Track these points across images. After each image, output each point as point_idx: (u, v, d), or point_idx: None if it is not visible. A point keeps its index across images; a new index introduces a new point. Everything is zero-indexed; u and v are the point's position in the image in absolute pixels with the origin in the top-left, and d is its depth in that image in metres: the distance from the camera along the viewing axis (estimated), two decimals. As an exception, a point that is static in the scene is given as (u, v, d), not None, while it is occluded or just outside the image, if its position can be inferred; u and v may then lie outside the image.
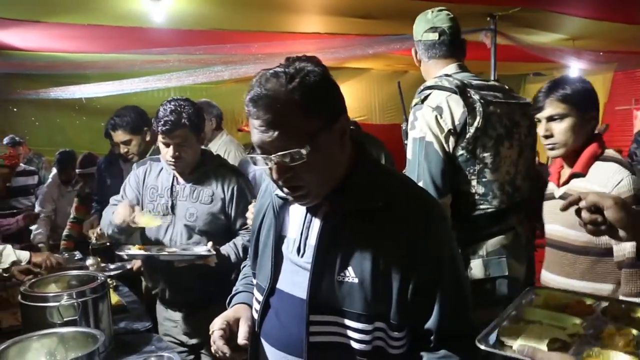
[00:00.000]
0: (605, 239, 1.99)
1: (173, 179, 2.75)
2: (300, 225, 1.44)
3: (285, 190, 1.35)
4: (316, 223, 1.41)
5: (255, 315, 1.52)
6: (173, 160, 2.62)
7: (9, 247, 2.90)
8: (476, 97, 2.16)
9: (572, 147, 2.12)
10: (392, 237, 1.32)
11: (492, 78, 5.23)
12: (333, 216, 1.36)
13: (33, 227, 5.16)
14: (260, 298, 1.49)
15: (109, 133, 3.62)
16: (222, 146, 4.09)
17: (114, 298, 2.92)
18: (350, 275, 1.33)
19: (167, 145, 2.61)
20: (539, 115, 2.17)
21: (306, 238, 1.42)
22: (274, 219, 1.49)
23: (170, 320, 2.88)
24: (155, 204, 2.75)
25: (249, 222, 2.49)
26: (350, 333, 1.34)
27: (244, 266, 1.86)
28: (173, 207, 2.72)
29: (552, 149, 2.16)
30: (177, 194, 2.73)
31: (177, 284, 2.77)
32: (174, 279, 2.74)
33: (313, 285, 1.35)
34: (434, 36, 2.38)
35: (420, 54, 2.45)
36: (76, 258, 3.71)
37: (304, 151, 1.24)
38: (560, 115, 2.10)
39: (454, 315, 1.36)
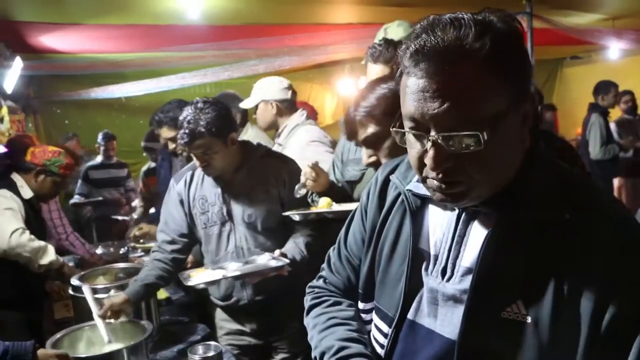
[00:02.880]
0: None
1: (221, 183, 2.53)
2: (448, 237, 1.06)
3: (436, 183, 0.97)
4: (475, 236, 1.03)
5: (380, 350, 1.16)
6: (202, 169, 2.45)
7: (50, 247, 2.93)
8: None
9: None
10: (579, 262, 0.92)
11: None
12: (499, 229, 0.98)
13: None
14: (387, 330, 1.14)
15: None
16: (257, 137, 3.87)
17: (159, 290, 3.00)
18: (520, 311, 0.95)
19: (193, 155, 2.42)
20: None
21: (456, 257, 1.04)
22: (410, 224, 1.11)
23: (232, 322, 2.64)
24: (209, 214, 2.52)
25: (302, 191, 2.30)
26: None
27: (329, 303, 1.32)
28: (229, 212, 2.50)
29: None
30: (230, 197, 2.50)
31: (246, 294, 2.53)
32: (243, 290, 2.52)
33: (469, 322, 0.98)
34: None
35: None
36: (121, 252, 3.81)
37: (482, 136, 0.88)
38: None
39: None
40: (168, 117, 3.41)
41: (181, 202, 2.56)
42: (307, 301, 1.36)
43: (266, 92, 3.34)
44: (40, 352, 1.82)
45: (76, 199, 5.83)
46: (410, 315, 1.10)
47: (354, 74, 7.31)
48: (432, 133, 0.91)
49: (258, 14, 5.30)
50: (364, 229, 1.26)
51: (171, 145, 3.48)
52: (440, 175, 0.95)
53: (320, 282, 1.38)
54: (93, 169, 6.09)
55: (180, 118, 2.38)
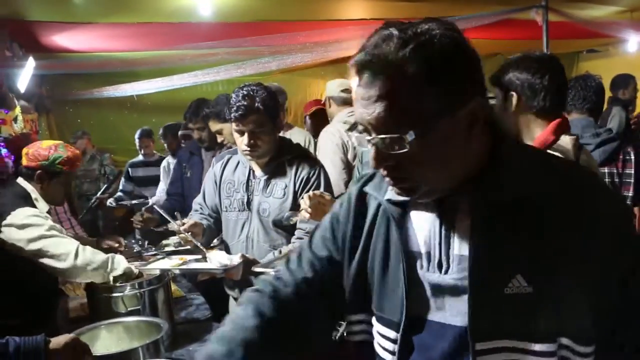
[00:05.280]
0: None
1: (249, 173, 2.64)
2: (435, 233, 1.12)
3: (387, 179, 1.08)
4: (461, 225, 1.09)
5: (390, 357, 1.18)
6: (249, 149, 2.49)
7: (118, 256, 2.55)
8: None
9: None
10: (563, 226, 1.01)
11: (545, 57, 5.06)
12: (482, 212, 1.05)
13: None
14: (394, 335, 1.15)
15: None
16: (298, 137, 3.87)
17: (173, 289, 2.98)
18: (521, 284, 1.01)
19: (241, 133, 2.48)
20: None
21: (448, 248, 1.10)
22: (396, 232, 1.16)
23: None
24: (232, 199, 2.66)
25: (293, 219, 2.26)
26: (529, 358, 1.03)
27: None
28: (249, 202, 2.60)
29: None
30: (253, 188, 2.61)
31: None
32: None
33: (476, 304, 1.03)
34: None
35: None
36: (135, 250, 3.80)
37: (406, 138, 0.98)
38: None
39: None
40: (215, 111, 3.53)
41: (215, 181, 2.76)
42: (248, 290, 1.31)
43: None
44: (52, 343, 1.81)
45: (118, 197, 5.75)
46: (418, 314, 1.13)
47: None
48: (372, 135, 1.03)
49: (270, 10, 5.29)
50: (333, 237, 1.29)
51: (220, 138, 3.60)
52: (386, 172, 1.06)
53: (270, 276, 1.37)
54: (133, 167, 6.07)
55: (233, 97, 2.48)
